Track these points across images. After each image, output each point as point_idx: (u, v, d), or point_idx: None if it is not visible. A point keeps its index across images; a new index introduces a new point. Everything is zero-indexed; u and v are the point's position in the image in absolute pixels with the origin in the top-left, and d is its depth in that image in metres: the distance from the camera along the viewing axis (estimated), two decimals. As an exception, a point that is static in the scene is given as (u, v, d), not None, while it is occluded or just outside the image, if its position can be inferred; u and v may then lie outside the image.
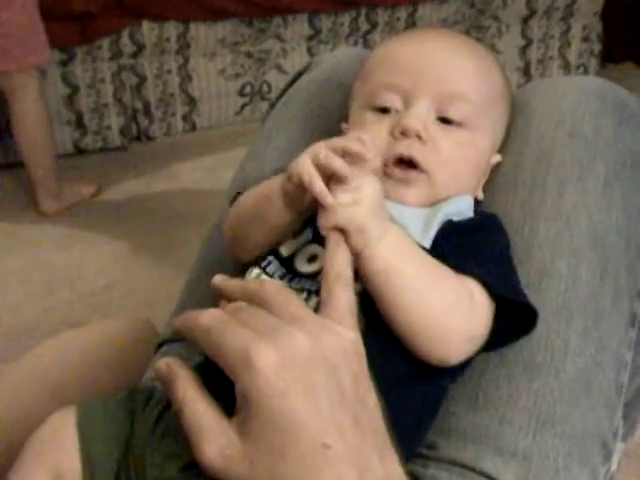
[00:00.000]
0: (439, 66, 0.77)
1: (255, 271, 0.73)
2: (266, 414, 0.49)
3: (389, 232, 0.65)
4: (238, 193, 0.81)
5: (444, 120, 0.75)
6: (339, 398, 0.51)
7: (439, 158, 0.74)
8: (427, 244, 0.70)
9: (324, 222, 0.63)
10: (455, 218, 0.73)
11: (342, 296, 0.57)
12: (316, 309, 0.59)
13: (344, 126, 0.83)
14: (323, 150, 0.65)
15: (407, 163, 0.73)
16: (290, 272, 0.72)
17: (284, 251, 0.73)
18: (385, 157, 0.74)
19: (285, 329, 0.52)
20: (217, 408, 0.52)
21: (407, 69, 0.76)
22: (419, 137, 0.73)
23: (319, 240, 0.71)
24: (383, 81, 0.77)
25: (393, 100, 0.76)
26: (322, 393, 0.51)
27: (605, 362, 0.74)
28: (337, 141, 0.67)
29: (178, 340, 0.89)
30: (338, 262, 0.60)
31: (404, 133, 0.73)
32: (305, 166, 0.65)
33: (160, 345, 0.91)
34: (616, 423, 0.74)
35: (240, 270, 0.76)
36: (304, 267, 0.71)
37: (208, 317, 0.54)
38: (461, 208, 0.75)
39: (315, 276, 0.70)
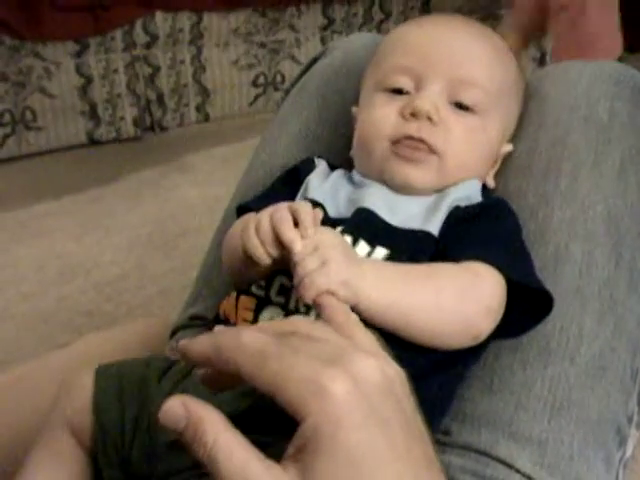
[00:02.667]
0: (453, 51, 0.76)
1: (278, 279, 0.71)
2: (342, 452, 0.41)
3: (367, 269, 0.63)
4: (239, 207, 0.81)
5: (455, 104, 0.75)
6: (410, 433, 0.44)
7: (450, 141, 0.73)
8: (433, 229, 0.70)
9: (307, 296, 0.59)
10: (463, 204, 0.73)
11: (366, 335, 0.50)
12: None
13: (354, 110, 0.83)
14: (266, 224, 0.64)
15: (415, 144, 0.73)
16: None
17: None
18: (394, 136, 0.74)
19: (349, 354, 0.44)
20: (260, 453, 0.42)
21: (420, 52, 0.76)
22: (430, 119, 0.73)
23: None
24: (395, 63, 0.77)
25: (405, 82, 0.76)
26: (395, 427, 0.43)
27: (620, 347, 0.73)
28: (279, 214, 0.64)
29: (191, 327, 0.89)
30: (342, 313, 0.53)
31: (414, 114, 0.73)
32: (253, 244, 0.64)
33: (174, 333, 0.91)
34: (631, 408, 0.74)
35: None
36: None
37: (256, 339, 0.44)
38: (469, 193, 0.75)
39: None
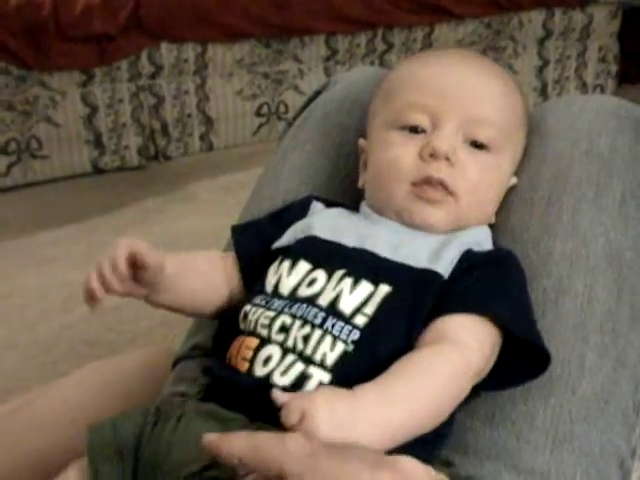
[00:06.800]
0: (467, 89, 0.77)
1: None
2: None
3: (347, 401, 0.59)
4: (234, 227, 0.84)
5: (470, 142, 0.76)
6: None
7: (466, 181, 0.74)
8: (441, 270, 0.70)
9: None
10: (475, 248, 0.73)
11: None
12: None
13: (362, 142, 0.84)
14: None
15: (435, 185, 0.74)
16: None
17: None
18: (415, 179, 0.74)
19: (393, 457, 0.49)
20: None
21: (435, 90, 0.76)
22: (448, 159, 0.73)
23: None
24: (410, 100, 0.77)
25: (421, 119, 0.76)
26: None
27: (622, 380, 0.73)
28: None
29: (192, 357, 0.89)
30: None
31: (433, 155, 0.73)
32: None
33: (176, 363, 0.91)
34: (634, 442, 0.74)
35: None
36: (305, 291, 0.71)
37: (304, 445, 0.46)
38: (479, 239, 0.75)
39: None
